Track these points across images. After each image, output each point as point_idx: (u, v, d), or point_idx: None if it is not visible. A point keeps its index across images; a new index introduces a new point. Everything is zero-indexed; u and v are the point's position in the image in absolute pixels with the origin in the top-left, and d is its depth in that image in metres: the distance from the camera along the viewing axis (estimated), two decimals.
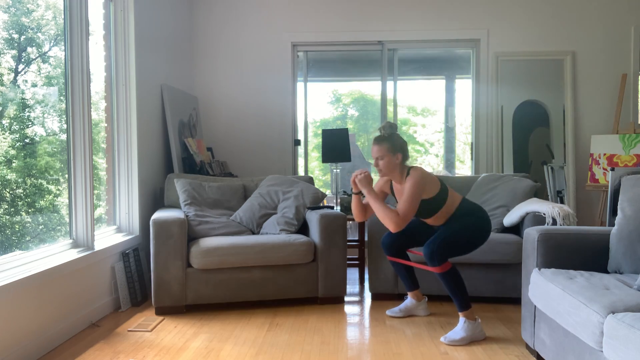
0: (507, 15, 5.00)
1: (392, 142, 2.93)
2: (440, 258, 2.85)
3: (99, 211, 3.66)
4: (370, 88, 5.90)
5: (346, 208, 4.41)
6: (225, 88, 5.17)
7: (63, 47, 3.13)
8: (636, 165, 4.39)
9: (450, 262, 2.91)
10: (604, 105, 4.93)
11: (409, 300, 3.32)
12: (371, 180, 2.96)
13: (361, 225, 4.39)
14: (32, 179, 3.06)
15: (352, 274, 4.51)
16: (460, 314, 2.90)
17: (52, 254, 2.93)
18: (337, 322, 3.21)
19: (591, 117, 4.94)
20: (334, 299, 3.59)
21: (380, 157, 2.93)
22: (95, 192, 3.45)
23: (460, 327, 2.86)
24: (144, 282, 3.76)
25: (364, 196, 3.04)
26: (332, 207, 4.00)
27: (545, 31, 4.97)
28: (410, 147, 6.13)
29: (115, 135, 3.76)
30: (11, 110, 2.88)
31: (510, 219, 3.58)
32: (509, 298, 3.56)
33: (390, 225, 2.80)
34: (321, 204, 3.98)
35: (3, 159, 2.80)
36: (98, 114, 3.66)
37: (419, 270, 3.51)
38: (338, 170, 4.69)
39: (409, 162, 3.03)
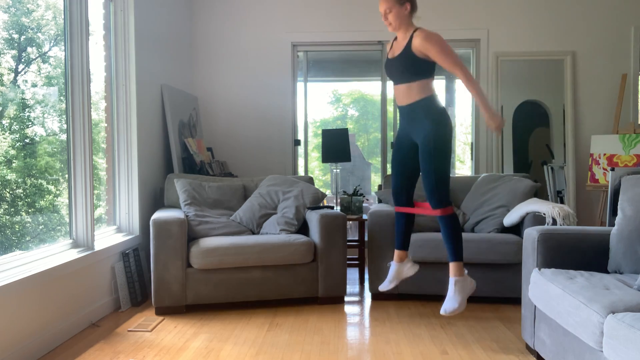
0: (507, 15, 5.00)
1: None
2: (441, 196, 2.80)
3: (99, 211, 3.66)
4: (370, 88, 5.90)
5: (346, 208, 4.41)
6: (225, 88, 5.17)
7: (63, 47, 3.13)
8: (636, 165, 4.39)
9: (453, 208, 2.85)
10: (604, 105, 4.93)
11: (393, 265, 3.18)
12: (496, 116, 2.79)
13: (361, 225, 4.39)
14: (32, 179, 3.06)
15: (352, 274, 4.51)
16: (450, 266, 2.81)
17: (52, 254, 2.93)
18: (337, 322, 3.21)
19: (591, 117, 4.94)
20: (334, 299, 3.59)
21: (388, 9, 2.86)
22: (95, 192, 3.45)
23: (453, 291, 2.79)
24: (144, 282, 3.76)
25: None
26: (332, 207, 4.00)
27: (545, 31, 4.97)
28: None
29: (115, 135, 3.76)
30: (11, 110, 2.88)
31: (510, 219, 3.58)
32: (509, 298, 3.56)
33: (470, 77, 2.75)
34: (321, 204, 3.98)
35: (3, 159, 2.80)
36: (98, 114, 3.66)
37: (421, 269, 3.49)
38: (338, 170, 4.69)
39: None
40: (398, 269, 3.18)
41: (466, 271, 2.86)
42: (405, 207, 3.11)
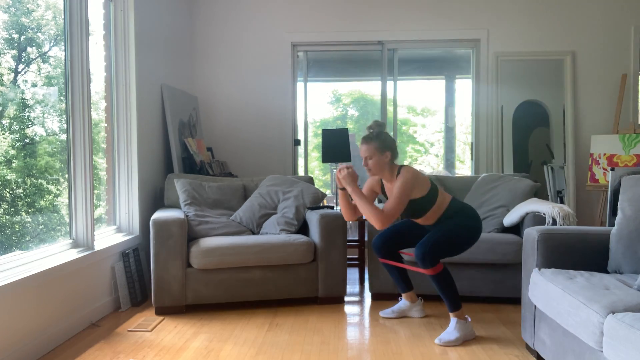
0: (507, 15, 5.00)
1: (380, 141, 2.90)
2: (432, 260, 2.84)
3: (99, 211, 3.66)
4: (370, 88, 5.90)
5: None
6: (225, 88, 5.17)
7: (63, 47, 3.13)
8: (636, 165, 4.39)
9: (442, 264, 2.91)
10: (604, 105, 4.93)
11: (403, 302, 3.31)
12: (356, 176, 2.90)
13: (361, 225, 4.39)
14: (32, 179, 3.06)
15: (352, 274, 4.51)
16: (451, 314, 2.89)
17: (52, 254, 2.93)
18: (337, 322, 3.21)
19: (591, 117, 4.94)
20: (334, 299, 3.59)
21: (368, 156, 2.92)
22: (95, 192, 3.45)
23: (453, 328, 2.86)
24: (144, 282, 3.76)
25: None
26: (332, 207, 4.00)
27: (545, 31, 4.97)
28: (410, 147, 6.15)
29: (115, 135, 3.76)
30: (11, 110, 2.88)
31: (510, 219, 3.58)
32: (509, 298, 3.56)
33: (375, 222, 2.77)
34: (321, 204, 3.98)
35: (3, 159, 2.80)
36: (98, 114, 3.66)
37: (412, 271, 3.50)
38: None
39: (398, 161, 3.01)
40: (406, 308, 3.31)
41: (469, 319, 2.92)
42: (390, 260, 3.22)
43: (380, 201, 3.96)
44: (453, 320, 2.88)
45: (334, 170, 4.68)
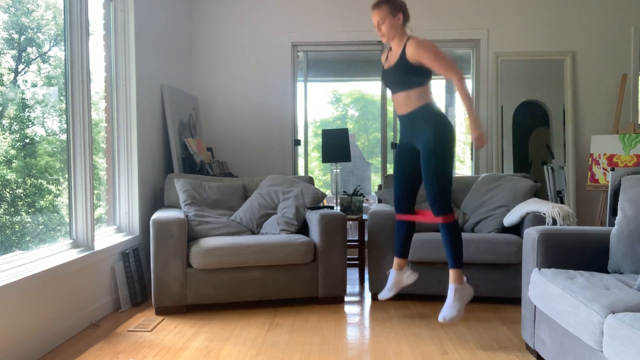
0: (507, 15, 5.00)
1: (391, 2, 2.86)
2: (443, 204, 2.83)
3: (99, 211, 3.66)
4: (370, 88, 5.90)
5: (346, 208, 4.41)
6: (225, 88, 5.17)
7: (63, 47, 3.13)
8: (636, 165, 4.39)
9: (454, 216, 2.88)
10: (604, 105, 4.93)
11: (392, 274, 3.23)
12: (478, 135, 2.83)
13: (361, 225, 4.39)
14: (32, 179, 3.06)
15: (352, 274, 4.51)
16: (450, 273, 2.84)
17: (52, 254, 2.93)
18: (337, 322, 3.21)
19: (591, 117, 4.94)
20: (334, 299, 3.59)
21: (381, 20, 2.88)
22: (95, 192, 3.45)
23: (453, 299, 2.82)
24: (144, 282, 3.76)
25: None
26: (332, 207, 4.00)
27: (545, 31, 4.97)
28: None
29: (115, 135, 3.76)
30: (11, 110, 2.88)
31: (510, 219, 3.58)
32: (509, 298, 3.56)
33: (463, 81, 2.81)
34: (321, 204, 3.98)
35: (3, 159, 2.80)
36: (98, 114, 3.66)
37: (421, 269, 3.50)
38: (338, 170, 4.69)
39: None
40: (397, 277, 3.24)
41: (465, 278, 2.89)
42: (406, 215, 3.14)
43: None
44: (451, 288, 2.84)
45: (334, 171, 4.68)
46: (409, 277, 3.23)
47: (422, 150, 2.89)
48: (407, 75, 2.90)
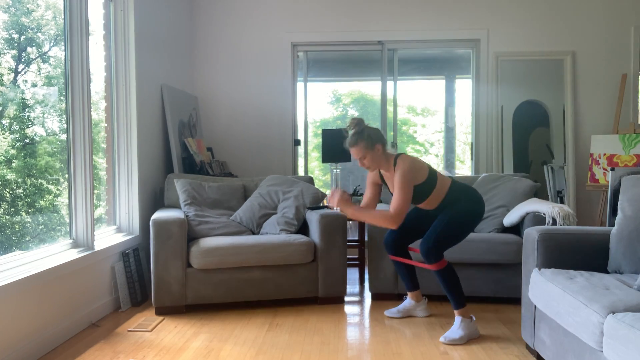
0: (507, 15, 5.00)
1: (366, 137, 2.86)
2: (436, 255, 2.87)
3: (99, 211, 3.66)
4: (370, 88, 5.90)
5: None
6: (225, 88, 5.17)
7: (63, 47, 3.13)
8: (636, 165, 4.39)
9: (446, 260, 2.93)
10: (604, 105, 4.93)
11: (408, 301, 3.31)
12: (348, 198, 2.90)
13: (361, 225, 4.39)
14: (32, 179, 3.06)
15: (352, 274, 4.51)
16: (455, 312, 2.90)
17: (52, 254, 2.93)
18: (337, 322, 3.21)
19: (591, 117, 4.94)
20: (334, 299, 3.58)
21: (362, 157, 2.90)
22: (95, 192, 3.45)
23: (458, 326, 2.86)
24: (144, 282, 3.76)
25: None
26: (332, 207, 3.99)
27: (545, 31, 4.97)
28: (410, 147, 6.15)
29: (115, 135, 3.76)
30: (11, 110, 2.88)
31: (510, 219, 3.58)
32: (509, 298, 3.56)
33: (389, 224, 2.78)
34: (321, 204, 3.98)
35: (3, 159, 2.80)
36: (98, 114, 3.66)
37: (420, 270, 3.51)
38: (338, 170, 4.69)
39: (391, 149, 3.02)
40: (411, 307, 3.32)
41: (474, 318, 2.93)
42: (399, 257, 3.23)
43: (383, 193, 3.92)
44: (457, 318, 2.88)
45: (334, 171, 4.68)
46: (420, 312, 3.32)
47: (441, 215, 2.96)
48: (416, 193, 2.93)
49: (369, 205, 3.12)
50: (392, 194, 2.97)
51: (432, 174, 2.94)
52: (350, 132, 2.89)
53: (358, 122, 2.89)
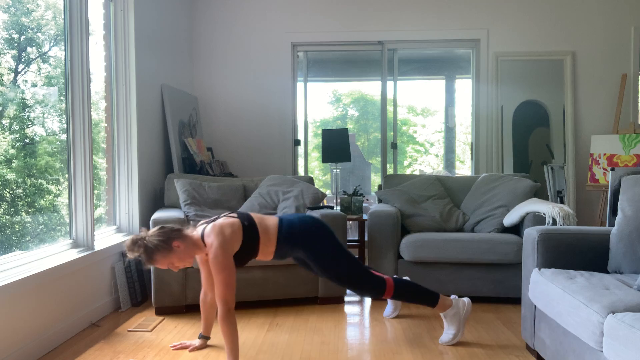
0: (507, 15, 5.00)
1: (156, 249, 2.42)
2: (369, 288, 2.67)
3: (99, 211, 3.66)
4: (370, 88, 5.90)
5: (346, 208, 4.41)
6: (225, 88, 5.17)
7: (63, 47, 3.13)
8: (636, 165, 4.39)
9: (390, 279, 2.73)
10: (604, 105, 4.93)
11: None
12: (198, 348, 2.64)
13: (361, 225, 4.39)
14: (32, 179, 3.06)
15: None
16: (436, 309, 2.81)
17: (52, 254, 2.93)
18: (337, 322, 3.21)
19: (591, 117, 4.94)
20: (334, 299, 3.58)
21: (170, 264, 2.48)
22: (95, 192, 3.45)
23: (447, 326, 2.83)
24: (144, 282, 3.76)
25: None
26: (332, 207, 4.00)
27: (545, 31, 4.97)
28: (410, 147, 6.15)
29: (115, 135, 3.76)
30: (11, 110, 2.88)
31: (510, 219, 3.58)
32: (509, 298, 3.56)
33: (228, 319, 2.37)
34: (321, 204, 3.98)
35: (3, 159, 2.80)
36: (98, 114, 3.66)
37: (421, 269, 3.50)
38: (338, 170, 4.69)
39: (192, 228, 2.61)
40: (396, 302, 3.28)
41: (454, 296, 2.85)
42: None
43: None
44: (442, 316, 2.85)
45: (334, 171, 4.68)
46: None
47: (308, 260, 2.70)
48: (242, 256, 2.60)
49: (210, 286, 2.73)
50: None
51: (248, 229, 2.56)
52: (140, 254, 2.43)
53: (134, 241, 2.42)
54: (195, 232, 2.56)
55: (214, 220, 2.58)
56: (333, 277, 2.68)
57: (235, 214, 2.61)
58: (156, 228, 2.49)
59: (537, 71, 4.99)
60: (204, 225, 2.56)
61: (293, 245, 2.65)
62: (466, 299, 2.85)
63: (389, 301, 3.30)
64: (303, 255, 2.69)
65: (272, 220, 2.67)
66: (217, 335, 2.97)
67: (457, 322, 2.81)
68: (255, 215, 2.65)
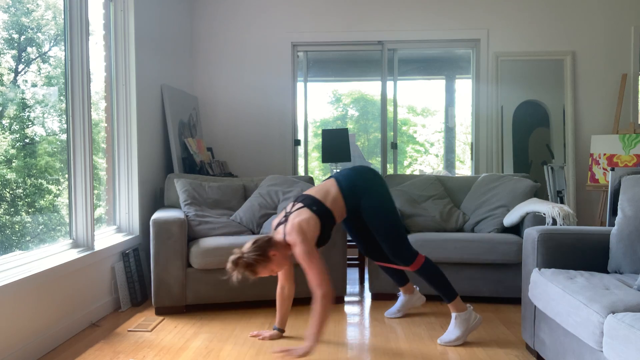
0: (507, 15, 5.00)
1: (257, 261, 2.60)
2: (407, 255, 2.83)
3: (99, 211, 3.66)
4: (370, 88, 5.90)
5: None
6: (225, 88, 5.17)
7: (63, 47, 3.13)
8: (636, 165, 4.39)
9: (423, 256, 2.87)
10: (604, 105, 4.93)
11: (402, 297, 3.31)
12: (309, 351, 2.55)
13: None
14: (32, 179, 3.06)
15: (352, 274, 4.51)
16: (450, 307, 2.86)
17: (52, 254, 2.93)
18: (337, 322, 3.21)
19: (591, 117, 4.94)
20: (334, 299, 3.58)
21: (268, 272, 2.66)
22: (95, 192, 3.45)
23: (454, 325, 2.84)
24: (144, 282, 3.76)
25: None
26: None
27: (545, 31, 4.97)
28: (410, 147, 6.15)
29: (115, 135, 3.76)
30: (11, 110, 2.88)
31: (510, 219, 3.58)
32: (509, 298, 3.56)
33: (329, 301, 2.53)
34: None
35: (3, 158, 2.80)
36: (98, 114, 3.66)
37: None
38: (338, 170, 4.69)
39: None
40: (407, 301, 3.32)
41: (471, 307, 2.89)
42: (382, 262, 3.18)
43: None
44: (453, 315, 2.86)
45: (334, 171, 4.68)
46: (417, 300, 3.32)
47: (363, 214, 2.86)
48: (324, 237, 2.79)
49: (287, 279, 2.89)
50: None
51: (321, 211, 2.72)
52: (243, 270, 2.61)
53: (234, 262, 2.62)
54: (279, 235, 2.71)
55: (286, 216, 2.74)
56: (380, 227, 2.80)
57: (300, 203, 2.75)
58: (249, 243, 2.65)
59: (537, 71, 4.99)
60: (281, 226, 2.73)
61: (356, 195, 2.82)
62: (479, 316, 2.90)
63: (398, 300, 3.32)
64: (361, 205, 2.82)
65: (330, 185, 2.83)
66: (217, 335, 2.97)
67: (464, 328, 2.83)
68: (316, 192, 2.79)
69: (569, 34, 4.95)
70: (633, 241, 2.37)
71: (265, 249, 2.63)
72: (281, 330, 2.95)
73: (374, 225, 2.85)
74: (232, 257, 2.63)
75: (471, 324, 2.85)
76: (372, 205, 2.83)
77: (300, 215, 2.69)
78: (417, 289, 3.34)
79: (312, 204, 2.74)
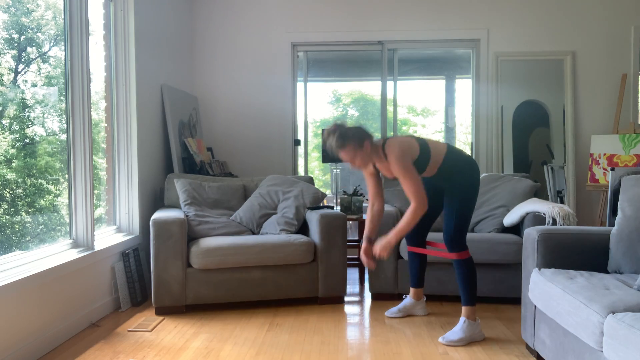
0: (507, 15, 5.00)
1: (352, 138, 2.75)
2: (460, 243, 2.88)
3: (99, 211, 3.66)
4: (370, 88, 5.90)
5: (346, 208, 4.41)
6: (225, 88, 5.17)
7: (63, 47, 3.13)
8: (636, 165, 4.39)
9: (469, 253, 2.92)
10: (604, 105, 4.93)
11: (408, 300, 3.32)
12: (389, 244, 2.80)
13: (361, 225, 4.39)
14: (32, 179, 3.06)
15: (352, 274, 4.51)
16: (463, 310, 2.89)
17: (52, 254, 2.93)
18: (337, 322, 3.21)
19: (591, 117, 4.94)
20: (334, 299, 3.58)
21: (352, 159, 2.79)
22: (95, 192, 3.45)
23: (460, 328, 2.86)
24: (144, 282, 3.76)
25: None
26: (332, 207, 4.00)
27: (545, 31, 4.97)
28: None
29: (115, 135, 3.76)
30: (11, 110, 2.88)
31: (510, 219, 3.58)
32: (509, 298, 3.56)
33: (420, 211, 2.71)
34: (321, 204, 3.98)
35: (3, 158, 2.80)
36: (98, 114, 3.66)
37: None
38: (338, 170, 4.69)
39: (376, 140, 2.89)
40: (410, 306, 3.32)
41: (478, 320, 2.91)
42: (418, 247, 3.20)
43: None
44: (462, 319, 2.87)
45: (334, 171, 4.68)
46: (420, 310, 3.33)
47: (447, 188, 2.93)
48: (417, 167, 2.85)
49: (376, 197, 3.03)
50: (391, 179, 2.97)
51: (424, 148, 2.84)
52: (334, 137, 2.76)
53: (339, 125, 2.78)
54: (378, 144, 2.84)
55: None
56: (456, 206, 2.87)
57: (415, 138, 2.89)
58: (354, 125, 2.82)
59: (537, 71, 4.99)
60: (382, 139, 2.86)
61: (452, 170, 2.88)
62: (483, 333, 2.93)
63: (403, 301, 3.33)
64: (451, 180, 2.90)
65: (442, 147, 2.91)
66: (217, 335, 2.97)
67: (469, 334, 2.84)
68: (430, 142, 2.90)
69: (569, 34, 4.95)
70: (633, 241, 2.37)
71: (363, 134, 2.78)
72: (371, 240, 3.01)
73: (453, 201, 2.88)
74: (335, 122, 2.80)
75: (475, 334, 2.87)
76: (462, 184, 2.87)
77: (407, 139, 2.84)
78: (425, 299, 3.34)
79: (423, 142, 2.86)
